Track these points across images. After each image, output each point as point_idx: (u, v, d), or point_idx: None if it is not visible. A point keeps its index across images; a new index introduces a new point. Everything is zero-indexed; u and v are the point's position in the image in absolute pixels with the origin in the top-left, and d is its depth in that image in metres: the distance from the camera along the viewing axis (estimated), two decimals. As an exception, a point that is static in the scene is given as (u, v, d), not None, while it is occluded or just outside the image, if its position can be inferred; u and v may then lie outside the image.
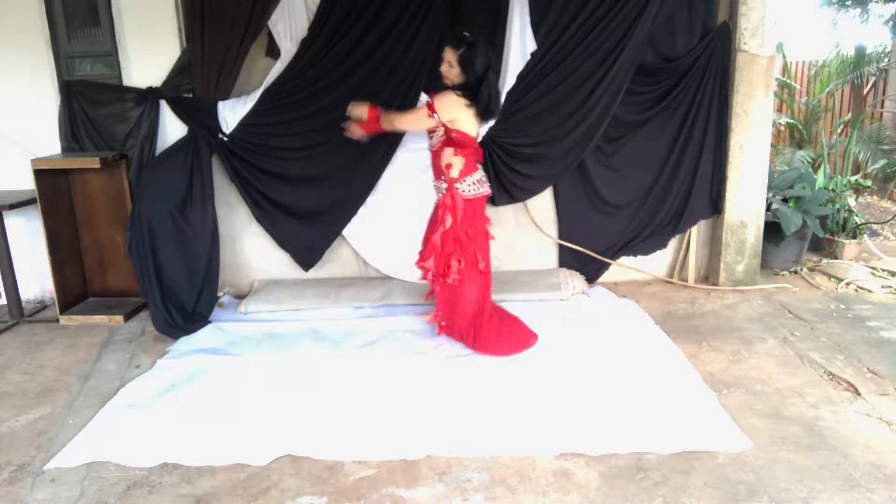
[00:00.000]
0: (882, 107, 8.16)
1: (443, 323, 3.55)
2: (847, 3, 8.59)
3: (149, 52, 4.13)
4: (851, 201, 5.24)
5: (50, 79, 4.20)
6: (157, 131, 4.22)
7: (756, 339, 3.58)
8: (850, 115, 8.14)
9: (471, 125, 3.24)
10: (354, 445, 2.65)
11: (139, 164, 4.17)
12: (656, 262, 4.57)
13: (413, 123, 3.41)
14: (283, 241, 4.39)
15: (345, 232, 4.31)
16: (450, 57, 3.15)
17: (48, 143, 4.22)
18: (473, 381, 3.14)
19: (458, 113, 3.18)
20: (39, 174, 3.94)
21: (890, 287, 4.29)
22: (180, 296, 3.87)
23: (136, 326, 4.03)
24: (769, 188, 4.46)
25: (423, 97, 3.29)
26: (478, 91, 3.15)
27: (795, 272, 4.65)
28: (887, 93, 8.17)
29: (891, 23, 8.09)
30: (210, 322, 3.95)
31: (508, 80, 3.98)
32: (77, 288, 4.32)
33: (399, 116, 3.39)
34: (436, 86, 4.06)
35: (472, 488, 2.38)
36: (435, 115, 3.18)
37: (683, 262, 4.54)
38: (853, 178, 5.55)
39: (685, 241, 4.50)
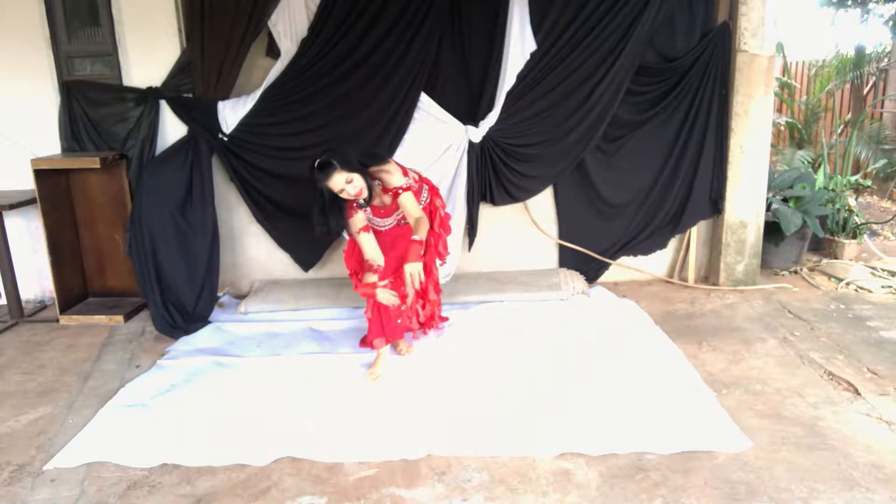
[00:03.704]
0: (882, 107, 8.16)
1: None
2: (847, 3, 8.58)
3: (149, 52, 4.13)
4: (851, 201, 5.23)
5: (50, 79, 4.20)
6: (157, 131, 4.22)
7: (756, 339, 3.58)
8: (850, 115, 8.14)
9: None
10: (354, 445, 2.65)
11: (139, 164, 4.17)
12: (656, 262, 4.57)
13: (417, 206, 3.28)
14: (283, 241, 4.39)
15: (345, 232, 4.31)
16: (348, 177, 3.00)
17: (48, 143, 4.23)
18: (473, 380, 3.14)
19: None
20: (39, 174, 3.94)
21: (890, 287, 4.29)
22: (180, 296, 3.86)
23: (136, 326, 4.03)
24: (769, 188, 4.46)
25: (395, 177, 3.19)
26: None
27: (795, 272, 4.65)
28: (887, 93, 8.17)
29: (891, 23, 8.08)
30: (210, 322, 3.95)
31: (508, 80, 3.98)
32: (77, 288, 4.32)
33: (419, 218, 3.21)
34: (435, 88, 4.12)
35: (471, 488, 2.38)
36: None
37: (683, 262, 4.54)
38: (853, 178, 5.54)
39: (685, 241, 4.50)
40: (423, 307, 3.60)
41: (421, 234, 3.17)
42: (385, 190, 3.21)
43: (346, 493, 2.38)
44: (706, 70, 4.13)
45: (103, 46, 4.19)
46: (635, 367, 3.21)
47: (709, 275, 4.54)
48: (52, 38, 4.16)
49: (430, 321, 3.63)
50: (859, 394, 2.94)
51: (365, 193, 3.09)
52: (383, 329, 3.27)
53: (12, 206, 3.97)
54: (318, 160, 3.02)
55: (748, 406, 2.87)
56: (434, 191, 3.46)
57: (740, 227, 4.32)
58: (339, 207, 3.12)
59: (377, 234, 3.31)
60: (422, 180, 3.39)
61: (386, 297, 3.15)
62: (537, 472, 2.46)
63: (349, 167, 3.02)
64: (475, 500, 2.33)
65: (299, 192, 4.20)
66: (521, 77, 4.00)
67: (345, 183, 3.01)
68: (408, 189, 3.19)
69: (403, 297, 3.32)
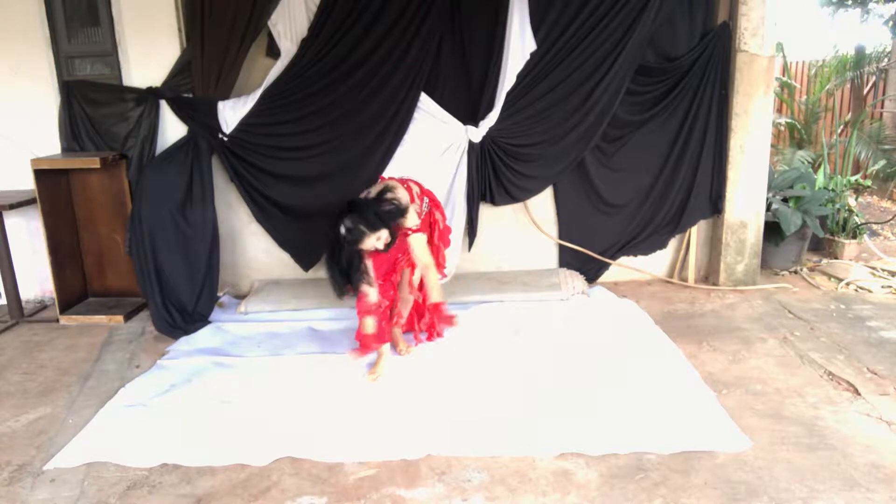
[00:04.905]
0: (882, 107, 8.16)
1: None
2: (847, 2, 8.59)
3: (149, 52, 4.13)
4: (851, 201, 5.24)
5: (50, 79, 4.20)
6: (157, 131, 4.22)
7: (756, 339, 3.58)
8: (850, 115, 8.14)
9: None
10: (354, 445, 2.65)
11: (139, 164, 4.18)
12: (656, 262, 4.57)
13: (427, 252, 3.28)
14: (283, 241, 4.39)
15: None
16: (377, 235, 2.97)
17: (48, 143, 4.22)
18: (473, 380, 3.14)
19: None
20: (39, 174, 3.94)
21: (890, 287, 4.29)
22: (180, 296, 3.86)
23: (136, 326, 4.03)
24: (769, 188, 4.46)
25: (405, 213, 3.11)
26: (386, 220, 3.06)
27: (795, 272, 4.65)
28: (887, 93, 8.17)
29: (891, 23, 8.08)
30: (210, 322, 3.95)
31: (508, 80, 3.98)
32: (77, 288, 4.32)
33: (427, 267, 3.26)
34: (435, 88, 4.12)
35: (471, 488, 2.39)
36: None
37: (683, 262, 4.54)
38: (853, 178, 5.54)
39: (685, 241, 4.50)
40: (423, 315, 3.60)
41: (436, 297, 3.25)
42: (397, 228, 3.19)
43: (346, 493, 2.38)
44: (706, 70, 4.13)
45: (103, 46, 4.19)
46: (635, 367, 3.21)
47: (709, 275, 4.54)
48: (52, 38, 4.16)
49: (433, 327, 3.61)
50: (859, 394, 2.94)
51: (389, 240, 3.06)
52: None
53: (12, 206, 3.96)
54: (343, 227, 2.92)
55: (748, 406, 2.87)
56: (435, 203, 3.43)
57: (740, 227, 4.32)
58: (360, 261, 3.07)
59: (376, 252, 3.29)
60: (423, 192, 3.35)
61: (370, 323, 3.22)
62: (537, 472, 2.46)
63: (375, 227, 2.95)
64: (475, 500, 2.33)
65: (299, 192, 4.22)
66: (521, 77, 4.00)
67: (375, 241, 2.99)
68: (417, 230, 3.17)
69: (392, 301, 3.32)
